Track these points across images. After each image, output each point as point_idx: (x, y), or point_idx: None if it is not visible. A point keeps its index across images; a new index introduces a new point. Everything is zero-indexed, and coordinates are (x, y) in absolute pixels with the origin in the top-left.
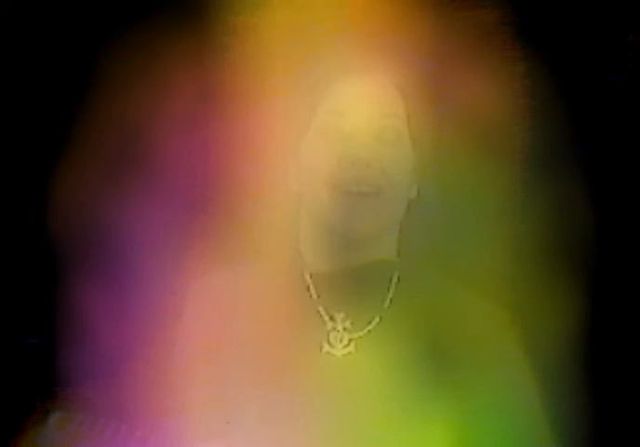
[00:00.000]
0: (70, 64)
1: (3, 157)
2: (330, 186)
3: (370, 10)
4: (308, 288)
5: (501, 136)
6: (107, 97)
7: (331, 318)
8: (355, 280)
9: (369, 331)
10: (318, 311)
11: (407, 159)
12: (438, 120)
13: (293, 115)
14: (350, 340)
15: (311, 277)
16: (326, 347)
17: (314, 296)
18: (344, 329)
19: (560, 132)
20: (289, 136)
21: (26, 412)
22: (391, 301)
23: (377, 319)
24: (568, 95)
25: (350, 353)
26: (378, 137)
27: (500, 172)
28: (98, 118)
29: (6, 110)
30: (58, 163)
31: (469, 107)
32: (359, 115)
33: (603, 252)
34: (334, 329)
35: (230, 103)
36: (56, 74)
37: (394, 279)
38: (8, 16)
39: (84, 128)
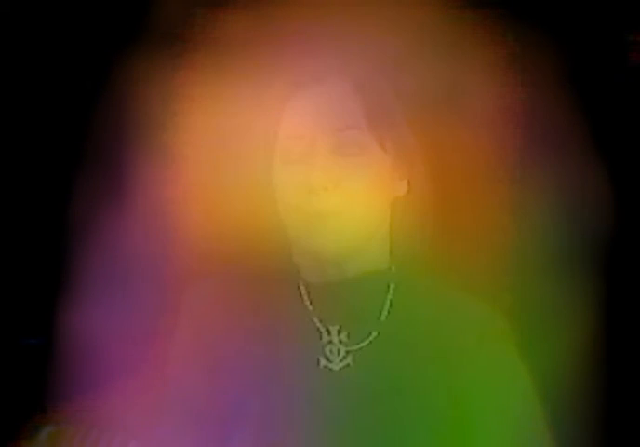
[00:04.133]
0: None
1: (3, 162)
2: (296, 211)
3: (318, 15)
4: (302, 299)
5: (491, 130)
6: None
7: (327, 331)
8: (348, 292)
9: (367, 344)
10: (314, 323)
11: (377, 166)
12: (414, 117)
13: (258, 141)
14: (347, 353)
15: (305, 288)
16: (323, 361)
17: (309, 308)
18: (340, 342)
19: (560, 123)
20: (259, 159)
21: (24, 412)
22: (387, 312)
23: (374, 333)
24: (559, 95)
25: (347, 366)
26: (336, 153)
27: (495, 172)
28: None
29: (9, 123)
30: (57, 168)
31: (451, 98)
32: (315, 134)
33: (602, 257)
34: (330, 342)
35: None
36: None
37: (390, 290)
38: (11, 16)
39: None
